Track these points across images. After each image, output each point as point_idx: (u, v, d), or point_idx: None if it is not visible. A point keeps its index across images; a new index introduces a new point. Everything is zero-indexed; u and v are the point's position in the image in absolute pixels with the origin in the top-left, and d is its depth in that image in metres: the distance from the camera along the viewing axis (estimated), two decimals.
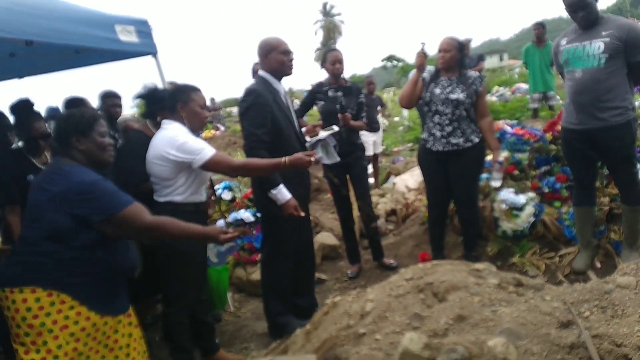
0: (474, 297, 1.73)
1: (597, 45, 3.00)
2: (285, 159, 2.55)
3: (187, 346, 2.73)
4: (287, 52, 3.02)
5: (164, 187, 2.54)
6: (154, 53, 3.60)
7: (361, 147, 4.16)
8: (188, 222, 2.52)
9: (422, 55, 3.51)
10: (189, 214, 2.50)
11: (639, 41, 2.95)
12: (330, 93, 3.96)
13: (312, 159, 2.58)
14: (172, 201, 2.52)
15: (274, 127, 2.93)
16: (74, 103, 3.44)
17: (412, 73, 3.63)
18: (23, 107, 2.93)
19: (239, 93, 3.07)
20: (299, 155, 2.57)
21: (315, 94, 4.06)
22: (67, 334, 1.91)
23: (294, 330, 2.49)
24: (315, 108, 4.22)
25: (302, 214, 2.93)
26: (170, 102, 2.61)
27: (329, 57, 3.96)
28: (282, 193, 2.87)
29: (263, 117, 2.89)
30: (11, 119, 2.98)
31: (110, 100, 3.99)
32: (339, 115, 3.81)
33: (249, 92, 2.96)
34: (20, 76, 4.23)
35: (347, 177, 4.10)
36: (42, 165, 2.84)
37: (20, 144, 3.06)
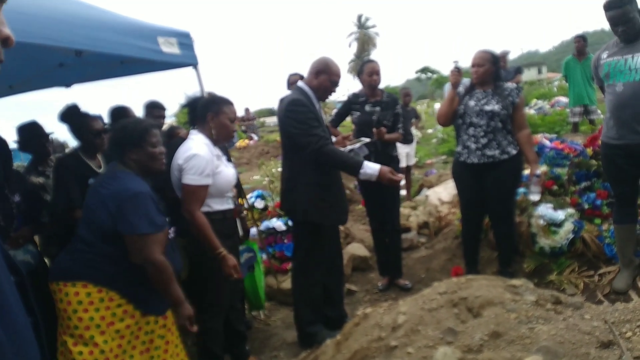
0: (510, 313, 1.70)
1: None
2: (222, 251, 2.46)
3: (219, 353, 2.76)
4: (335, 84, 3.08)
5: None
6: (194, 64, 3.70)
7: (396, 160, 4.13)
8: (216, 229, 2.55)
9: (456, 74, 3.50)
10: (217, 222, 2.54)
11: None
12: (367, 108, 3.96)
13: (236, 275, 2.51)
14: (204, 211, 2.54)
15: None
16: (119, 112, 3.57)
17: (447, 88, 3.61)
18: (72, 112, 3.04)
19: (272, 103, 3.07)
20: (233, 262, 2.49)
21: (351, 105, 4.07)
22: (113, 330, 2.00)
23: (324, 340, 2.50)
24: (348, 119, 4.23)
25: (400, 176, 2.93)
26: (201, 112, 2.66)
27: (365, 68, 3.96)
28: (370, 167, 2.86)
29: (312, 120, 2.94)
30: (63, 127, 3.08)
31: (157, 111, 4.13)
32: (374, 129, 3.81)
33: (293, 102, 2.97)
34: (68, 85, 4.42)
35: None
36: (97, 169, 2.92)
37: (73, 146, 3.15)
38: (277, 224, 4.36)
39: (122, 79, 4.35)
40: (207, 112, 2.63)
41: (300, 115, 2.93)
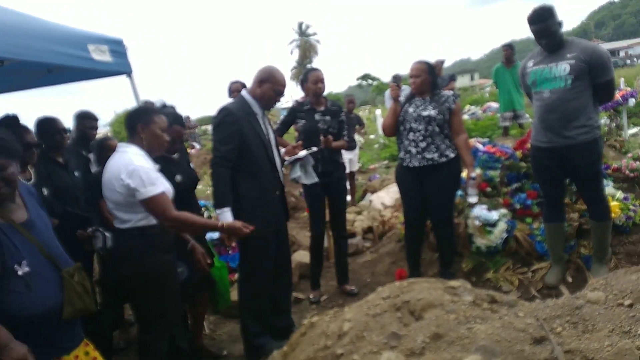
0: (449, 314, 1.74)
1: (563, 67, 3.11)
2: (222, 223, 2.69)
3: None
4: (279, 93, 3.07)
5: (124, 212, 2.43)
6: (128, 73, 3.57)
7: (343, 167, 4.17)
8: (156, 244, 2.45)
9: (396, 88, 3.66)
10: (154, 236, 2.46)
11: (602, 63, 3.08)
12: (317, 116, 3.97)
13: (247, 230, 2.69)
14: (136, 227, 2.43)
15: (243, 147, 2.93)
16: (46, 123, 3.37)
17: (387, 95, 3.73)
18: (8, 122, 2.90)
19: (214, 111, 3.05)
20: (238, 224, 2.69)
21: (295, 113, 4.06)
22: None
23: (271, 352, 2.46)
24: (293, 127, 4.22)
25: (248, 230, 2.77)
26: (131, 123, 2.54)
27: (310, 76, 3.96)
28: (226, 216, 2.85)
29: (230, 135, 2.90)
30: None
31: (89, 122, 3.95)
32: (321, 138, 3.82)
33: (221, 110, 3.00)
34: None
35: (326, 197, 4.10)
36: (25, 181, 2.77)
37: None
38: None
39: (54, 87, 4.15)
40: (136, 122, 2.51)
41: (222, 125, 2.93)
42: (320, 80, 3.94)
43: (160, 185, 2.41)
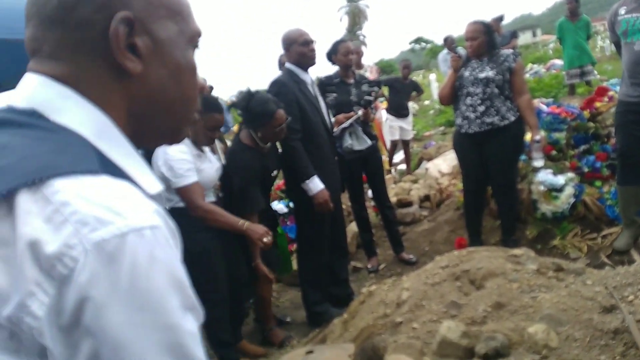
0: (512, 283, 1.71)
1: None
2: (243, 223, 2.53)
3: (229, 340, 2.76)
4: (306, 43, 3.05)
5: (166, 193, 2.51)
6: None
7: (375, 138, 4.08)
8: (197, 225, 2.48)
9: (457, 59, 3.46)
10: (197, 218, 2.50)
11: None
12: (364, 87, 3.89)
13: (266, 239, 2.52)
14: (176, 207, 2.50)
15: (300, 115, 2.97)
16: None
17: (441, 58, 3.58)
18: None
19: (266, 85, 3.11)
20: (260, 229, 2.53)
21: (325, 87, 3.88)
22: None
23: (332, 319, 2.53)
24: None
25: (332, 206, 2.96)
26: None
27: (340, 48, 3.78)
28: (315, 183, 2.93)
29: (289, 105, 2.91)
30: None
31: None
32: (361, 110, 3.72)
33: (273, 83, 3.04)
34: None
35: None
36: None
37: None
38: (279, 206, 4.37)
39: None
40: None
41: (278, 97, 2.92)
42: (350, 52, 3.77)
43: (191, 176, 2.46)
